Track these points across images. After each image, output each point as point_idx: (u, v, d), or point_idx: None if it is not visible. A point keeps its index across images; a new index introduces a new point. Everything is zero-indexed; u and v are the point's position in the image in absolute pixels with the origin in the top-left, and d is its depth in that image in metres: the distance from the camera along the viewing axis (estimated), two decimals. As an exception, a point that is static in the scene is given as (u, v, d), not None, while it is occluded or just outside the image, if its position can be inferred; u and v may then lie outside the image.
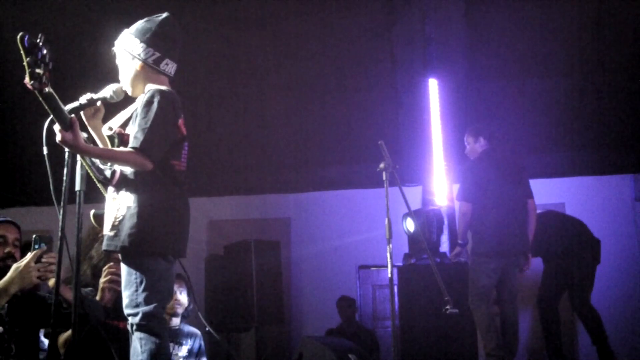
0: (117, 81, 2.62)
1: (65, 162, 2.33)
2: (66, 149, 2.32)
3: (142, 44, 2.58)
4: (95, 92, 2.53)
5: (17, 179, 6.98)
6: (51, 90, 2.13)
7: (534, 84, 6.41)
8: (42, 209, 6.92)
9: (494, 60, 6.28)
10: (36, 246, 2.56)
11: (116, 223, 2.44)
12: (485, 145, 4.84)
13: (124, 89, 2.61)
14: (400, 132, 6.47)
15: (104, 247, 2.50)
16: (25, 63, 2.03)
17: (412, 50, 6.18)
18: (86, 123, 2.46)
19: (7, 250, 2.75)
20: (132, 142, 2.40)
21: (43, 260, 2.54)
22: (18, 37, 2.00)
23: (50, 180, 2.30)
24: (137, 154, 2.38)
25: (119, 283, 3.02)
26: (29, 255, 2.55)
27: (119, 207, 2.46)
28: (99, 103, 2.53)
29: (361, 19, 6.11)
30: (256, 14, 6.04)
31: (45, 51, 2.05)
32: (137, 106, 2.55)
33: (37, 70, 2.03)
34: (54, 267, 2.52)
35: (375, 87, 6.58)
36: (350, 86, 6.61)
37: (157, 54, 2.60)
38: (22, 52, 2.02)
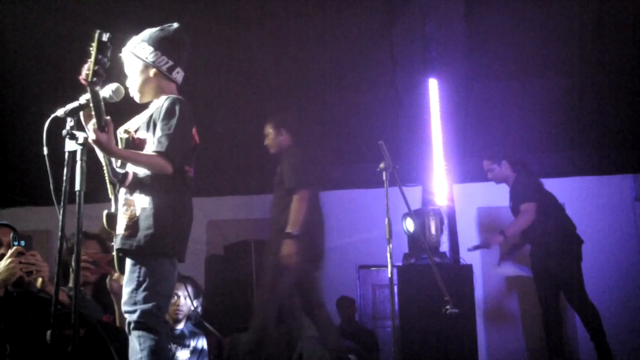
0: (117, 81, 2.63)
1: (65, 162, 2.33)
2: (70, 148, 2.32)
3: (156, 52, 2.67)
4: (95, 92, 2.53)
5: (17, 179, 6.97)
6: (100, 88, 2.23)
7: (534, 84, 6.40)
8: (42, 209, 6.91)
9: (494, 60, 6.27)
10: (15, 243, 2.64)
11: (130, 223, 2.51)
12: (509, 166, 5.23)
13: (131, 94, 2.70)
14: (400, 132, 6.46)
15: (117, 245, 2.55)
16: (92, 60, 2.13)
17: (412, 50, 6.17)
18: (84, 123, 2.47)
19: (1, 252, 2.79)
20: (157, 146, 2.49)
21: (24, 258, 2.61)
22: (96, 34, 2.12)
23: (50, 180, 2.31)
24: (162, 157, 2.47)
25: (89, 269, 3.10)
26: (9, 252, 2.64)
27: (133, 208, 2.53)
28: (98, 103, 2.54)
29: (361, 19, 6.10)
30: (256, 14, 6.04)
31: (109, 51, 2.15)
32: (152, 112, 2.63)
33: (100, 69, 2.13)
34: (37, 263, 2.59)
35: (375, 87, 6.57)
36: (350, 86, 6.60)
37: (171, 62, 2.69)
38: (94, 49, 2.11)
